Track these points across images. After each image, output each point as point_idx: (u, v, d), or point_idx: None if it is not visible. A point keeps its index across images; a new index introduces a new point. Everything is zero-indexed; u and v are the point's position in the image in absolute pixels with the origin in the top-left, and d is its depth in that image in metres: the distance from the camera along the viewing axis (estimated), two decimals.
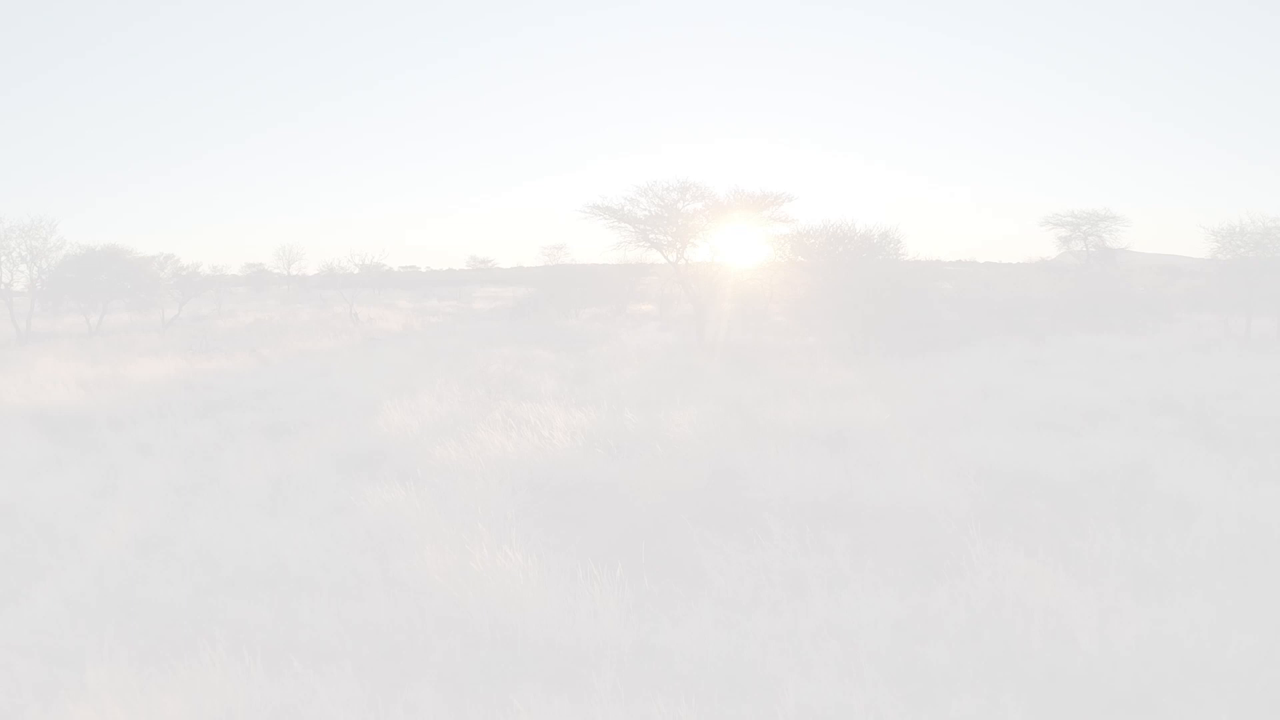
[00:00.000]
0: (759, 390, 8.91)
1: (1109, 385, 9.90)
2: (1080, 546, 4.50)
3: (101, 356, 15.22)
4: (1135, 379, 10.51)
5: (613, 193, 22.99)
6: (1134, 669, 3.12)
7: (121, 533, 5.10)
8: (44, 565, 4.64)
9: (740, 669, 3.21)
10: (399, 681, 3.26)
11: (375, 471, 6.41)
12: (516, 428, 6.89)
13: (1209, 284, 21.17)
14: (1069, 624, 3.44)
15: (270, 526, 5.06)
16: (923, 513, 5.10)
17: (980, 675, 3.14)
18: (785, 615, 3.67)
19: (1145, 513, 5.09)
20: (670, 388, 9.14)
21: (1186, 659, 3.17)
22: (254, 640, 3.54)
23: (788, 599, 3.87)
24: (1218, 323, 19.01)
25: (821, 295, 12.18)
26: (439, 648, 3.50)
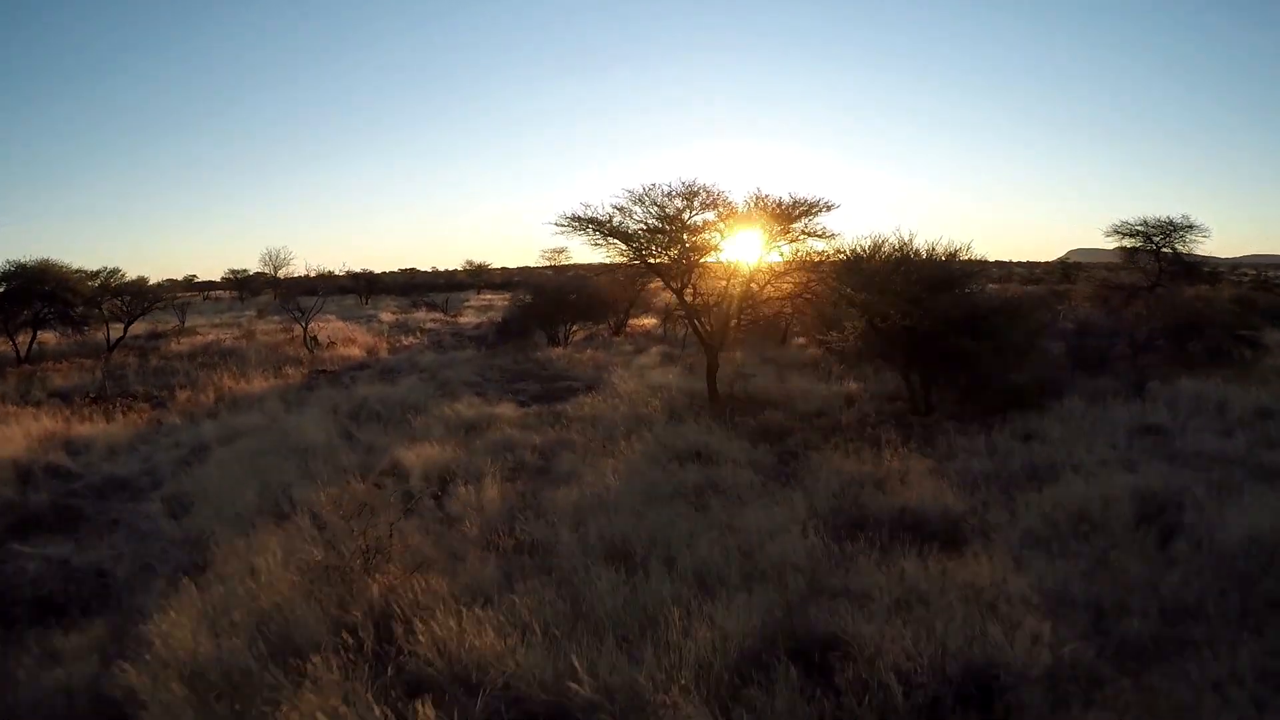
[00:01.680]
0: (807, 514, 5.71)
1: None
2: None
3: None
4: None
5: (600, 198, 19.89)
6: None
7: None
8: None
9: None
10: None
11: None
12: (374, 665, 3.77)
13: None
14: None
15: None
16: None
17: None
18: None
19: None
20: (669, 509, 5.95)
21: None
22: None
23: None
24: None
25: (876, 338, 8.94)
26: None
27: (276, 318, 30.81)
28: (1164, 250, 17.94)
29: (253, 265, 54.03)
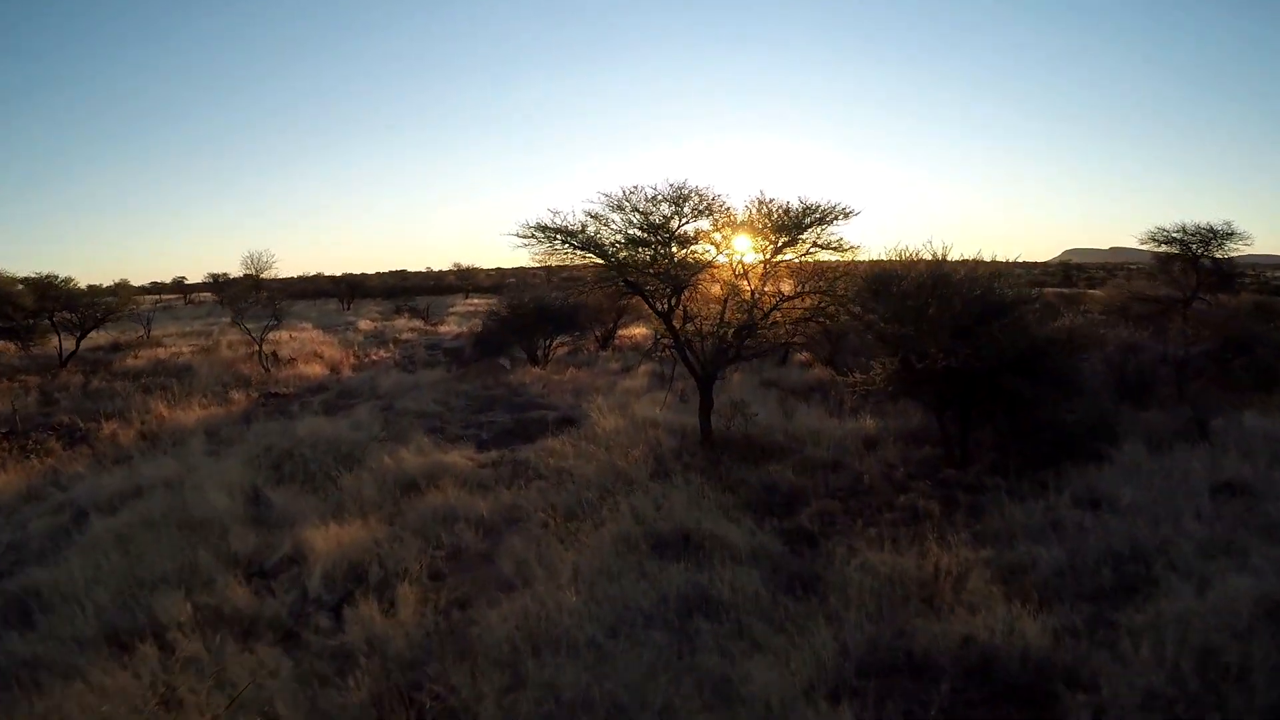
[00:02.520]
0: (835, 658, 4.09)
1: None
2: None
3: None
4: None
5: (571, 204, 18.20)
6: None
7: None
8: None
9: None
10: None
11: None
12: None
13: None
14: None
15: None
16: None
17: None
18: None
19: None
20: (642, 647, 4.31)
21: None
22: None
23: None
24: None
25: (910, 378, 7.29)
26: None
27: (243, 325, 29.13)
28: (1202, 259, 16.30)
29: (239, 268, 52.06)
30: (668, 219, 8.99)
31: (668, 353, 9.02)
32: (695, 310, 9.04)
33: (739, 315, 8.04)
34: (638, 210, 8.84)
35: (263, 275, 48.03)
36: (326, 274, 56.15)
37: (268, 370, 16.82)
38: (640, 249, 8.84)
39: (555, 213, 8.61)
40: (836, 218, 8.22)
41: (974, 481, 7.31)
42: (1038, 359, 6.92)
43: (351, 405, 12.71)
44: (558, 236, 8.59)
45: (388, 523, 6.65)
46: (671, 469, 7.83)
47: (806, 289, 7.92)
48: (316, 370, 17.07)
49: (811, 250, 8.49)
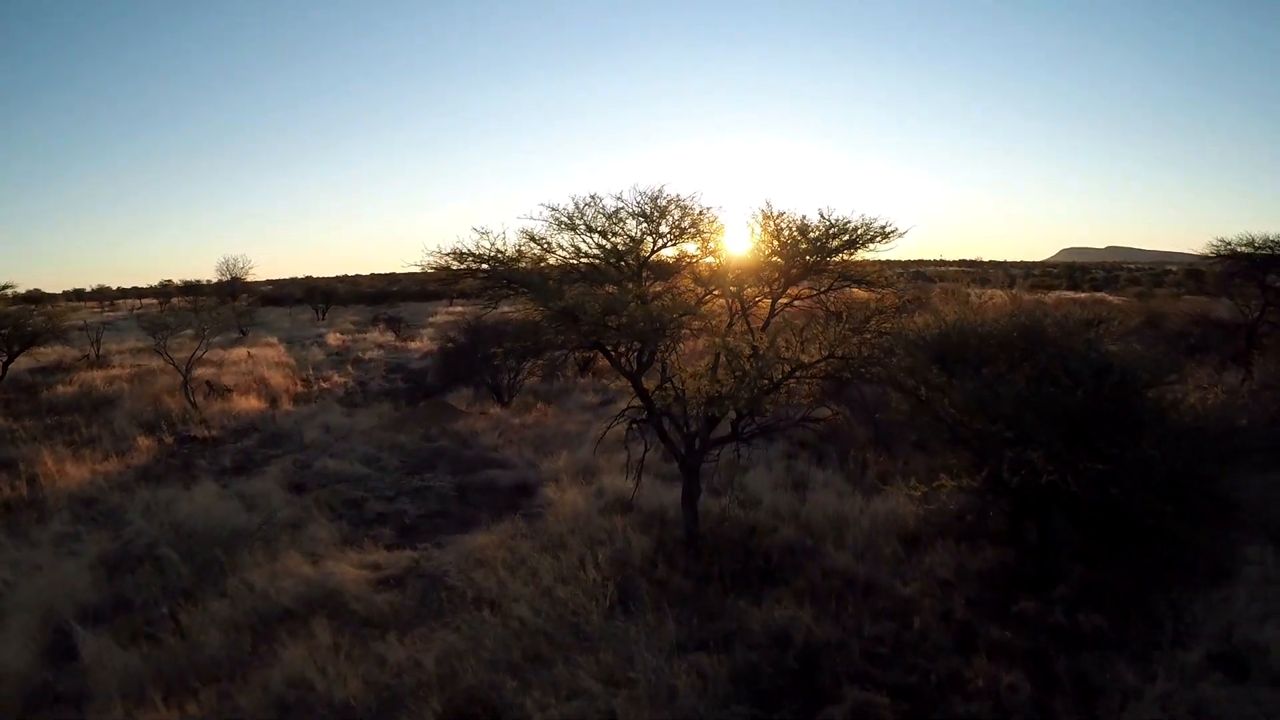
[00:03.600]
0: None
1: None
2: None
3: None
4: None
5: (512, 217, 15.95)
6: None
7: None
8: None
9: None
10: None
11: None
12: None
13: None
14: None
15: None
16: None
17: None
18: None
19: None
20: None
21: None
22: None
23: None
24: None
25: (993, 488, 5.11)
26: None
27: (205, 340, 26.87)
28: (1270, 277, 13.98)
29: (214, 274, 49.67)
30: (637, 241, 6.81)
31: (638, 426, 6.81)
32: (676, 368, 6.83)
33: (739, 389, 5.76)
34: (594, 230, 6.66)
35: (240, 280, 45.70)
36: (318, 275, 53.93)
37: (194, 406, 14.62)
38: (597, 286, 6.64)
39: (484, 233, 6.41)
40: (873, 239, 6.01)
41: (1065, 623, 5.13)
42: (1190, 470, 4.66)
43: (268, 460, 10.53)
44: (484, 266, 6.39)
45: (214, 708, 4.49)
46: (639, 598, 5.65)
47: (837, 351, 5.63)
48: (252, 404, 14.87)
49: (837, 285, 6.32)
